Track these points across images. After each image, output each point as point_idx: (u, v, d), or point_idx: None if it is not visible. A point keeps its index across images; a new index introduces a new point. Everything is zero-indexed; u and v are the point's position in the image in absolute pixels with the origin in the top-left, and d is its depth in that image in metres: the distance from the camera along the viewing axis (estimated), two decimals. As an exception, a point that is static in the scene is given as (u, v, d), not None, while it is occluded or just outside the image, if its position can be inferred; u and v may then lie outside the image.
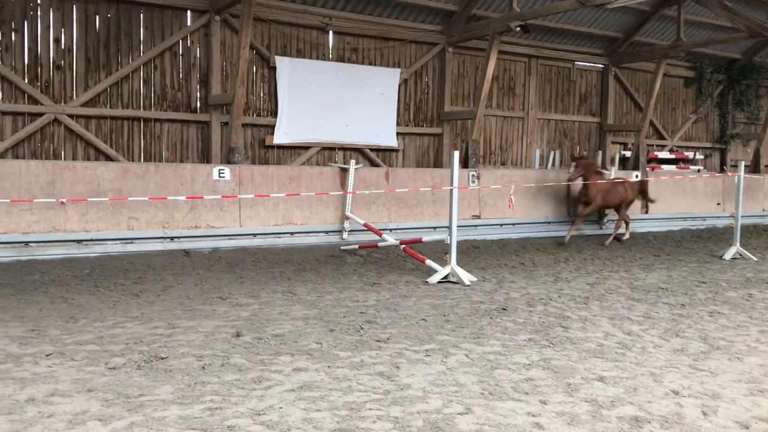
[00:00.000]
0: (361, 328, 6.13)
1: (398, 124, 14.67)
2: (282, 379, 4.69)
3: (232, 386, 4.52)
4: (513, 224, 13.79)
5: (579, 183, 13.34)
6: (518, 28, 13.02)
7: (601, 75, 18.09)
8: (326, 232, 11.92)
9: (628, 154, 17.65)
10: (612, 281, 9.04)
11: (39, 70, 11.20)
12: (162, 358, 5.09)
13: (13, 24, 10.98)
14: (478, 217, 13.67)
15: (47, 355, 5.13)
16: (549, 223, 14.38)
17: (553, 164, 16.85)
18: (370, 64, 14.39)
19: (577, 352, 5.56)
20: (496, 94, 16.23)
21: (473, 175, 13.63)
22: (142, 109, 12.11)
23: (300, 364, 5.02)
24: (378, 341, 5.71)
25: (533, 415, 4.14)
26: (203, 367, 4.90)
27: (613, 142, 18.35)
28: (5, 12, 10.88)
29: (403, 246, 9.93)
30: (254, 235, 11.18)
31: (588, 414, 4.19)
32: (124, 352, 5.26)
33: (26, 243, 9.44)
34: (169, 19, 12.21)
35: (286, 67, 13.21)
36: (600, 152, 17.43)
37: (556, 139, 17.53)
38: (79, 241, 9.78)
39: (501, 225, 13.73)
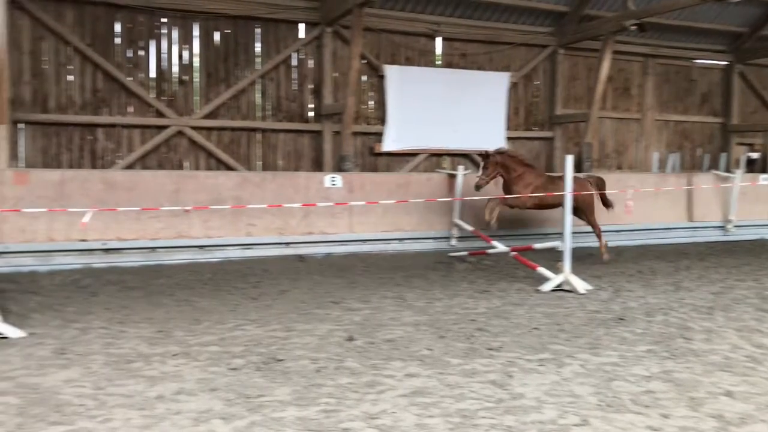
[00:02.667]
0: (472, 336, 6.09)
1: (508, 128, 14.51)
2: (394, 384, 4.74)
3: (346, 389, 4.62)
4: (630, 230, 13.25)
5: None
6: (634, 27, 12.58)
7: (725, 73, 17.12)
8: (434, 239, 11.92)
9: (755, 155, 16.60)
10: (739, 291, 8.51)
11: (164, 85, 11.91)
12: (279, 360, 5.26)
13: (141, 43, 11.74)
14: (591, 223, 13.24)
15: (174, 355, 5.43)
16: (669, 229, 13.73)
17: (673, 167, 16.09)
18: (478, 68, 14.32)
19: (701, 364, 5.28)
20: (610, 95, 15.72)
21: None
22: (258, 120, 12.62)
23: (412, 370, 5.05)
24: (490, 349, 5.66)
25: (654, 429, 3.97)
26: (318, 370, 5.03)
27: (738, 144, 17.30)
28: (135, 32, 11.66)
29: (514, 253, 9.79)
30: (364, 241, 11.35)
31: (714, 431, 3.97)
32: (244, 353, 5.47)
33: (153, 248, 10.04)
34: (283, 32, 12.66)
35: (395, 75, 13.38)
36: (724, 154, 16.47)
37: (675, 141, 16.74)
38: (201, 247, 10.29)
39: (617, 231, 13.24)
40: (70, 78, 11.29)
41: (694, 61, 16.67)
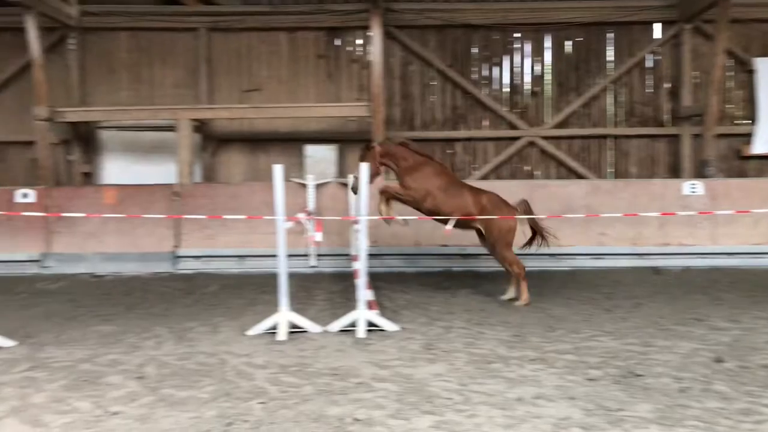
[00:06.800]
0: None
1: None
2: (775, 415, 4.25)
3: (716, 414, 4.26)
4: None
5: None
6: None
7: None
8: (822, 254, 10.34)
9: None
10: None
11: (516, 97, 12.36)
12: (638, 375, 5.08)
13: (494, 59, 12.37)
14: None
15: (531, 360, 5.59)
16: None
17: None
18: None
19: None
20: None
21: None
22: (609, 126, 12.34)
23: (797, 402, 4.47)
24: None
25: None
26: (682, 390, 4.73)
27: None
28: (489, 49, 12.34)
29: None
30: (730, 254, 10.34)
31: None
32: (601, 365, 5.40)
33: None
34: (636, 34, 12.22)
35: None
36: None
37: None
38: (552, 255, 10.40)
39: None
40: (433, 98, 12.37)
41: None
